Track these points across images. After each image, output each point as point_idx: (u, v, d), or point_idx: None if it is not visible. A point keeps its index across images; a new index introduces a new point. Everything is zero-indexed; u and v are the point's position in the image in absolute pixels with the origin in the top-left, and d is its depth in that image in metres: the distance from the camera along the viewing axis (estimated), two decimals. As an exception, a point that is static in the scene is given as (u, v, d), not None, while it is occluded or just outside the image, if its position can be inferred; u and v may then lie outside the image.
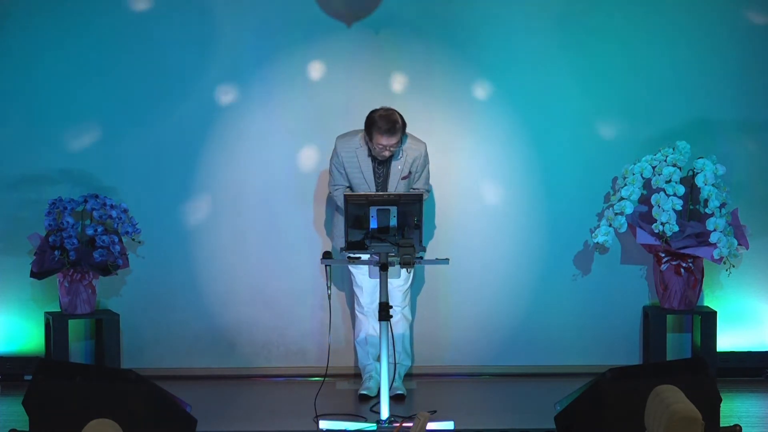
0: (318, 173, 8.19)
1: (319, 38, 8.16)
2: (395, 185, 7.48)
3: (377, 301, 7.64)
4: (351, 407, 7.48)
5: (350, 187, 7.53)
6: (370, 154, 7.46)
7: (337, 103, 8.16)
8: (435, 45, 8.19)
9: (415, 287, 8.04)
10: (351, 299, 7.98)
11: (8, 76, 8.11)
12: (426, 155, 7.57)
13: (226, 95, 8.18)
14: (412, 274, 7.68)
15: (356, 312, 7.76)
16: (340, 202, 7.45)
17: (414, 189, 7.53)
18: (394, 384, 7.62)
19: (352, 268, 7.63)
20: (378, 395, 7.54)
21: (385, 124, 7.29)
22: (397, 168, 7.47)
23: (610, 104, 8.25)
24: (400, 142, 7.39)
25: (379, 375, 7.63)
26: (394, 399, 7.53)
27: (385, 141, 7.31)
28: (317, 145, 8.17)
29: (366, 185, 7.48)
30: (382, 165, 7.49)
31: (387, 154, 7.39)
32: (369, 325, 7.68)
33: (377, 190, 7.46)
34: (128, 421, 5.14)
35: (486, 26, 8.18)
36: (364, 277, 7.57)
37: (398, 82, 8.19)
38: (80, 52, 8.11)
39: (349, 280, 7.89)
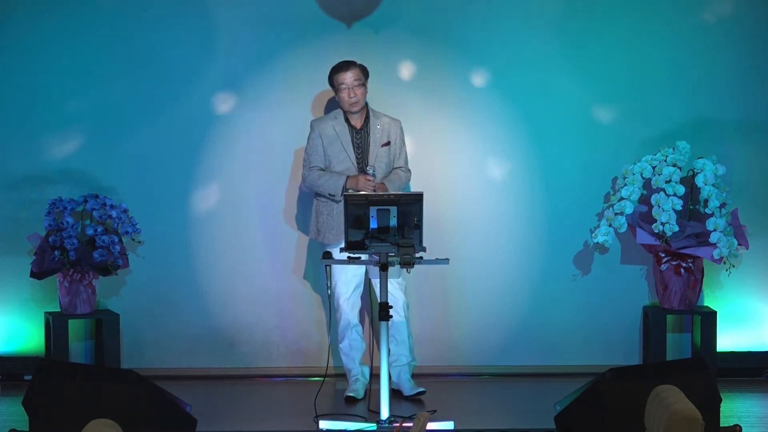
0: (318, 173, 8.20)
1: (319, 38, 8.17)
2: (376, 153, 7.54)
3: (357, 307, 7.65)
4: (351, 407, 7.48)
5: (324, 169, 7.54)
6: (347, 121, 7.55)
7: (338, 104, 8.15)
8: (435, 45, 8.19)
9: (414, 287, 8.02)
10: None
11: (8, 76, 8.11)
12: (402, 131, 7.67)
13: (225, 96, 8.18)
14: (403, 276, 7.65)
15: (339, 320, 7.71)
16: (312, 185, 7.54)
17: (397, 167, 7.61)
18: (410, 384, 7.63)
19: (336, 274, 7.59)
20: (364, 397, 7.58)
21: (338, 63, 7.56)
22: (376, 136, 7.54)
23: (609, 104, 8.25)
24: (363, 82, 7.52)
25: (366, 377, 7.67)
26: (416, 397, 7.58)
27: (342, 77, 7.49)
28: (317, 145, 8.18)
29: (346, 155, 7.53)
30: (360, 133, 7.55)
31: (354, 99, 7.49)
32: (353, 331, 7.65)
33: (358, 159, 7.53)
34: (128, 421, 5.14)
35: (485, 27, 8.19)
36: (347, 286, 7.56)
37: (398, 82, 8.19)
38: (80, 52, 8.11)
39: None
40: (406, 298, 7.63)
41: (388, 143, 7.59)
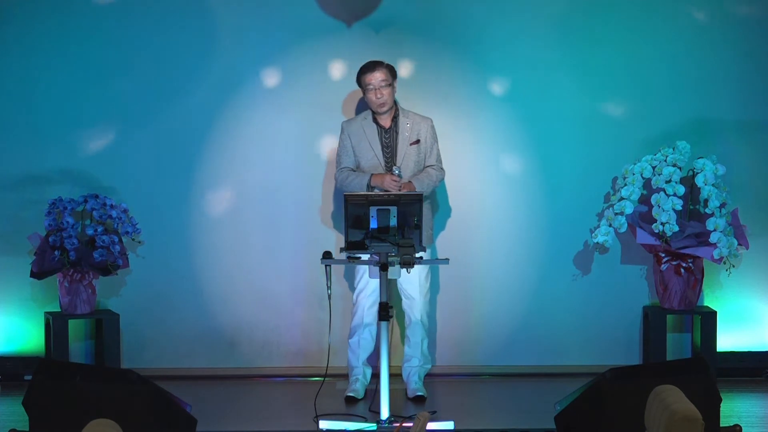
0: (318, 173, 8.19)
1: (319, 38, 8.16)
2: (404, 152, 7.53)
3: (375, 307, 7.64)
4: (351, 407, 7.48)
5: (354, 169, 7.54)
6: (375, 121, 7.54)
7: (338, 103, 8.16)
8: (435, 45, 8.19)
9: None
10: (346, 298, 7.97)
11: (8, 76, 8.12)
12: (433, 129, 7.65)
13: (226, 95, 8.18)
14: (428, 279, 7.65)
15: (354, 314, 7.71)
16: (342, 184, 7.54)
17: (428, 165, 7.58)
18: (415, 386, 7.63)
19: (360, 269, 7.59)
20: (364, 397, 7.57)
21: (365, 64, 7.56)
22: (405, 134, 7.53)
23: (609, 104, 8.25)
24: (390, 82, 7.51)
25: (366, 378, 7.67)
26: (415, 401, 7.58)
27: (369, 78, 7.48)
28: (317, 145, 8.17)
29: (374, 154, 7.52)
30: (388, 132, 7.55)
31: (381, 100, 7.48)
32: (365, 330, 7.65)
33: (386, 158, 7.53)
34: (128, 421, 5.14)
35: (485, 26, 8.19)
36: (367, 282, 7.55)
37: (398, 83, 8.19)
38: (80, 52, 8.11)
39: (350, 280, 7.89)
40: (426, 301, 7.62)
41: (417, 141, 7.58)
